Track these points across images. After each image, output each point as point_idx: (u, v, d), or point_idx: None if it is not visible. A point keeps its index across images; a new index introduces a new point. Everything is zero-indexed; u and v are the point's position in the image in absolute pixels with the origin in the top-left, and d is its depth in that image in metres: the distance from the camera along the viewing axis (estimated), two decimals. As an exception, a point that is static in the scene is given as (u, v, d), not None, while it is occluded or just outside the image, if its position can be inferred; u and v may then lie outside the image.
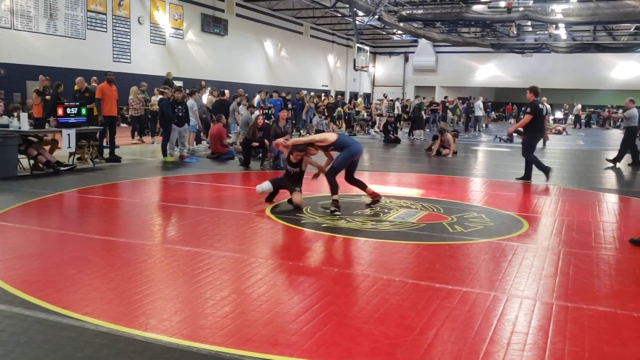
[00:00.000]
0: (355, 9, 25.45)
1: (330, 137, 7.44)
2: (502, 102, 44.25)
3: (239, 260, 4.98)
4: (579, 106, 37.56)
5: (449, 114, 28.21)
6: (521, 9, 24.51)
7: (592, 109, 40.58)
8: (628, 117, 13.86)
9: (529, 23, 30.98)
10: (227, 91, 17.22)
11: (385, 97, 29.18)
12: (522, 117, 10.18)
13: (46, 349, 3.15)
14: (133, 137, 16.44)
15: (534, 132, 10.36)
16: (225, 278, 4.49)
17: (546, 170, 10.34)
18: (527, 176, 10.48)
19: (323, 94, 27.12)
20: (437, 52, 44.57)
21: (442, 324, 3.66)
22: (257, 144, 11.95)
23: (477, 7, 27.14)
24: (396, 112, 26.92)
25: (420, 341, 3.40)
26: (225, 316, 3.69)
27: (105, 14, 21.96)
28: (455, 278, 4.62)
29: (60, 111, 10.22)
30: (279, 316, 3.71)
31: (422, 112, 23.10)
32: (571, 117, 38.35)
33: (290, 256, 5.30)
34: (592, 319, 3.84)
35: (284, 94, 22.26)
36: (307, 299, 4.04)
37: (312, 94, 25.00)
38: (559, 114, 37.71)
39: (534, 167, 10.41)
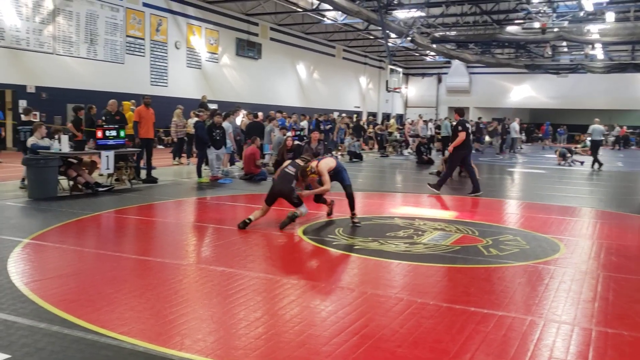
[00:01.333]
0: (387, 32, 25.61)
1: (332, 162, 7.94)
2: (538, 123, 43.68)
3: (271, 281, 5.00)
4: (618, 128, 36.74)
5: (487, 137, 27.78)
6: (556, 29, 24.27)
7: (632, 130, 39.66)
8: None
9: (564, 43, 30.64)
10: (260, 113, 17.41)
11: (421, 117, 29.10)
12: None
13: (84, 367, 3.21)
14: (175, 158, 16.65)
15: (461, 148, 11.20)
16: (258, 299, 4.51)
17: (439, 185, 11.23)
18: (475, 189, 11.15)
19: (327, 114, 26.26)
20: (470, 73, 44.43)
21: (477, 349, 3.60)
22: None
23: (510, 28, 27.02)
24: (429, 133, 26.81)
25: (455, 366, 3.35)
26: (259, 337, 3.70)
27: (143, 39, 22.60)
28: (491, 302, 4.55)
29: (99, 133, 10.50)
30: (312, 338, 3.71)
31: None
32: (611, 138, 37.50)
33: (322, 278, 5.30)
34: (633, 346, 3.73)
35: (316, 115, 22.45)
36: (340, 322, 4.03)
37: (343, 115, 25.10)
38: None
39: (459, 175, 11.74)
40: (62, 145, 9.95)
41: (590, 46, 28.88)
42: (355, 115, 30.44)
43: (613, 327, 4.05)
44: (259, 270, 5.36)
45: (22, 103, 18.60)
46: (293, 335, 3.74)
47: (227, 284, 4.86)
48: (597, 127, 18.86)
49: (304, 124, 19.39)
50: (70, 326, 3.80)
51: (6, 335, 3.63)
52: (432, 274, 5.38)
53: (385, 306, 4.43)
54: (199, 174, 12.43)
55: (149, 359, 3.34)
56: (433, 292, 4.79)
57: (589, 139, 20.60)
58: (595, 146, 19.03)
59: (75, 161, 10.29)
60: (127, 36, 21.90)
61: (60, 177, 9.99)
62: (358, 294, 4.69)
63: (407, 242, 6.68)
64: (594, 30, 23.90)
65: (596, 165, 18.37)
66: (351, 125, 24.55)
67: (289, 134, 15.92)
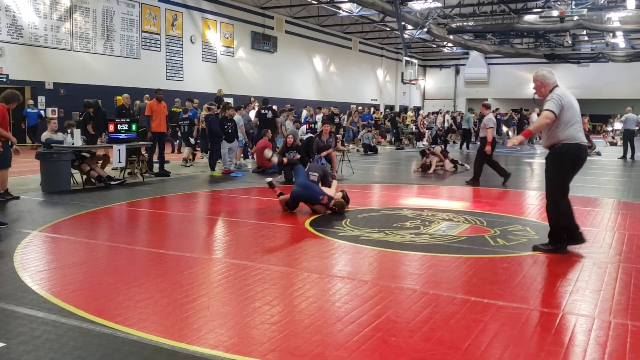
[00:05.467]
0: (403, 23, 25.40)
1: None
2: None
3: (277, 272, 4.98)
4: None
5: (503, 127, 27.43)
6: (575, 18, 23.84)
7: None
8: None
9: (585, 32, 30.10)
10: (274, 107, 17.46)
11: (440, 111, 28.98)
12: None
13: (76, 355, 3.23)
14: (173, 151, 17.20)
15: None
16: (258, 289, 4.49)
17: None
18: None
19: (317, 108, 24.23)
20: (488, 64, 43.96)
21: (474, 338, 3.54)
22: (296, 159, 11.84)
23: (528, 17, 26.65)
24: (446, 125, 26.62)
25: (449, 356, 3.30)
26: (254, 327, 3.69)
27: (159, 34, 22.74)
28: (492, 292, 4.48)
29: (111, 127, 10.59)
30: (324, 328, 3.69)
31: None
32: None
33: (325, 268, 5.28)
34: (636, 336, 3.63)
35: (332, 109, 22.38)
36: (337, 311, 4.00)
37: (359, 108, 24.99)
38: (618, 125, 36.20)
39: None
40: (75, 139, 10.05)
41: (611, 34, 28.36)
42: (388, 110, 30.50)
43: (618, 317, 3.96)
44: (261, 261, 5.34)
45: (41, 99, 18.88)
46: (303, 327, 3.72)
47: (230, 275, 4.86)
48: (631, 116, 18.05)
49: (319, 117, 19.32)
50: (67, 315, 3.83)
51: (4, 324, 3.67)
52: (435, 264, 5.31)
53: (382, 295, 4.39)
54: (212, 167, 12.47)
55: (141, 347, 3.34)
56: (433, 282, 4.73)
57: (618, 127, 19.83)
58: (629, 136, 18.33)
59: (88, 155, 10.39)
60: (143, 31, 22.05)
61: (73, 171, 10.10)
62: (358, 283, 4.66)
63: (413, 233, 6.62)
64: (614, 18, 23.45)
65: (629, 155, 17.97)
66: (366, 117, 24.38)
67: (303, 128, 15.90)
